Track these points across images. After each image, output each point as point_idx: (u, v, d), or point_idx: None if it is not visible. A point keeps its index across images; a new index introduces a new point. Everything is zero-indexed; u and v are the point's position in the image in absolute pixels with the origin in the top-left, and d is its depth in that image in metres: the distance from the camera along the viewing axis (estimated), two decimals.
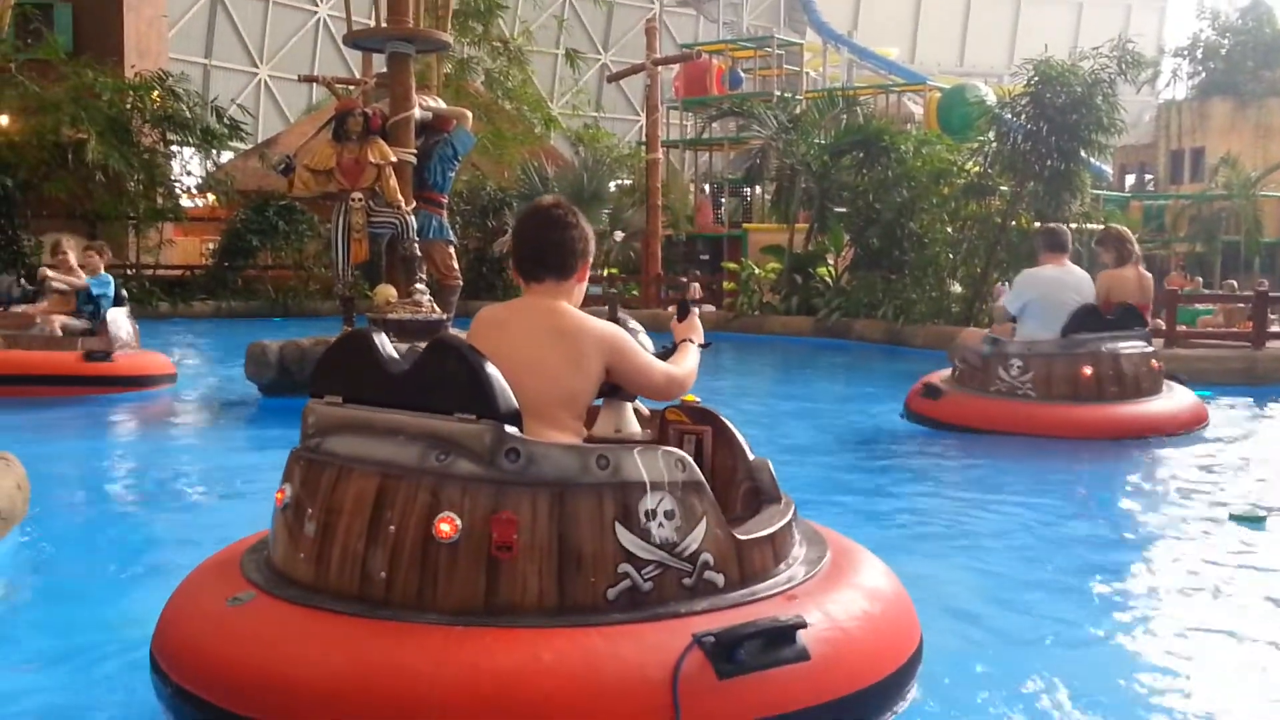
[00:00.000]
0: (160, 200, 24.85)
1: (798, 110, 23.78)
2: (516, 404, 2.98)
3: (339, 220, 11.06)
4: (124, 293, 11.47)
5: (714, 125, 30.73)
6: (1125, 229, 10.21)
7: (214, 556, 3.53)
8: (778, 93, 30.23)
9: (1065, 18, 61.34)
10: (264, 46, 52.46)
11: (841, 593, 3.24)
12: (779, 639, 2.91)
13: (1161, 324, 13.46)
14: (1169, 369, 9.27)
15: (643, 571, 2.96)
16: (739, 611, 3.00)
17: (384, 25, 11.72)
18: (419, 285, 11.14)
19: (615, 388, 3.35)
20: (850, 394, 12.61)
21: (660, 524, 3.00)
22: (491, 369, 2.99)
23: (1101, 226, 14.08)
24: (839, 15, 52.72)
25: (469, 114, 12.87)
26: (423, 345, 3.14)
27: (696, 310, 3.68)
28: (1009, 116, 17.71)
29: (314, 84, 22.33)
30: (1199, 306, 18.70)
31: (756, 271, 21.43)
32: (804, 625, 2.96)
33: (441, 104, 13.25)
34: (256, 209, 25.36)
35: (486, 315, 3.41)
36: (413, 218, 11.33)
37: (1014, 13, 63.19)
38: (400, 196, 11.17)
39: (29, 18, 24.08)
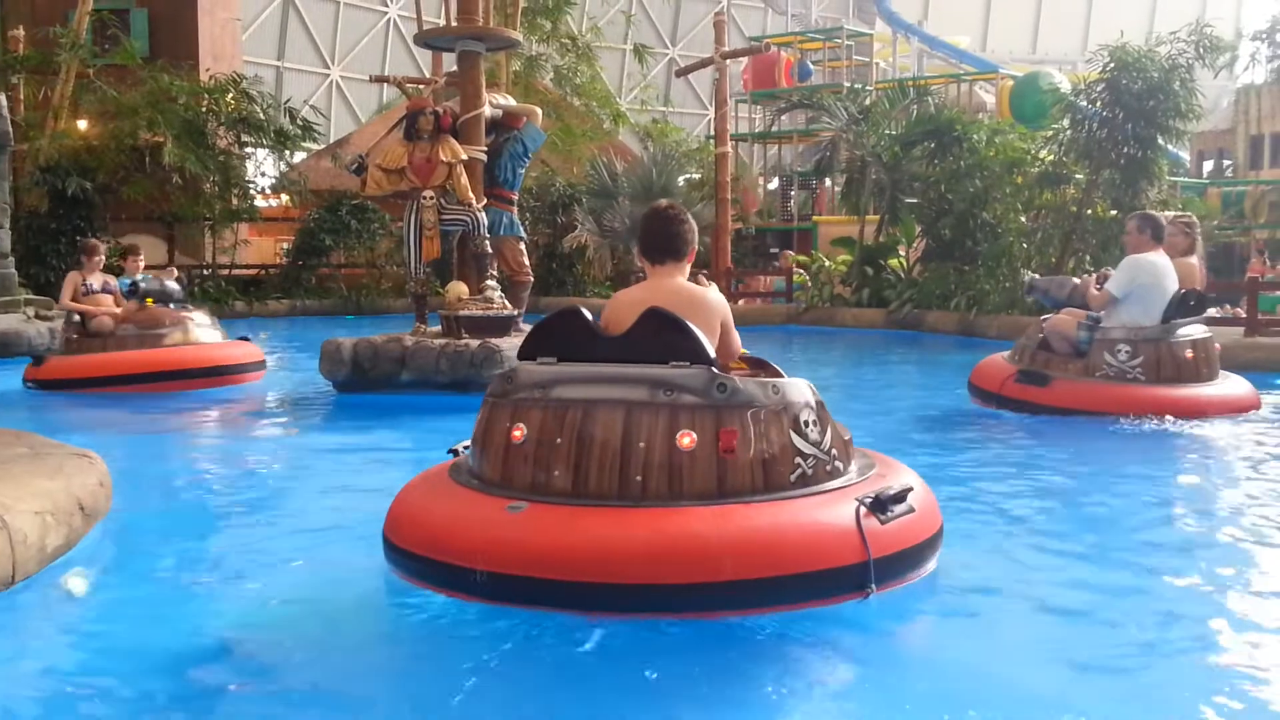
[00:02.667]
0: (235, 201, 25.18)
1: (867, 101, 23.59)
2: (715, 353, 4.20)
3: (411, 218, 11.15)
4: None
5: (783, 118, 30.62)
6: (1192, 218, 10.38)
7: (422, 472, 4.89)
8: (847, 84, 30.02)
9: (1140, 2, 60.32)
10: (335, 48, 53.05)
11: (907, 474, 4.58)
12: (900, 498, 4.18)
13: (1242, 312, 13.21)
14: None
15: (806, 461, 4.21)
16: (864, 485, 4.28)
17: (454, 24, 11.79)
18: (490, 282, 11.21)
19: None
20: (927, 383, 12.48)
21: (812, 430, 4.26)
22: (696, 329, 4.19)
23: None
24: (909, 5, 52.25)
25: (538, 111, 12.92)
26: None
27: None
28: (1084, 104, 17.46)
29: (385, 84, 22.50)
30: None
31: (827, 264, 21.30)
32: (910, 489, 4.28)
33: (511, 101, 13.32)
34: (329, 208, 25.60)
35: (625, 295, 4.72)
36: (483, 215, 11.41)
37: None
38: (471, 194, 11.24)
39: (106, 23, 24.56)
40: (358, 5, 53.32)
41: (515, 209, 12.48)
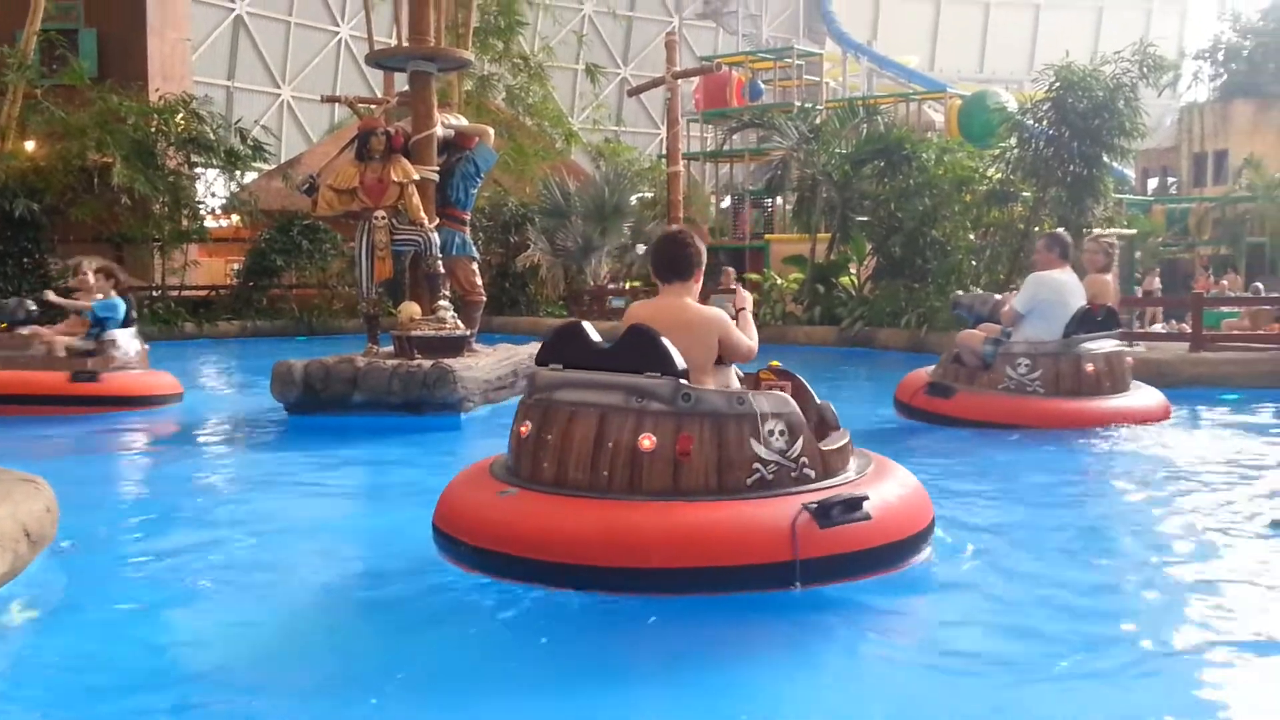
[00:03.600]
0: (185, 222, 24.93)
1: (818, 120, 23.75)
2: (685, 365, 4.68)
3: (362, 239, 11.12)
4: (133, 314, 11.56)
5: (735, 137, 30.74)
6: (1112, 238, 10.95)
7: (467, 470, 5.39)
8: (798, 103, 30.15)
9: (1085, 22, 61.15)
10: (286, 67, 52.81)
11: (884, 483, 4.93)
12: (853, 506, 4.56)
13: (1188, 327, 13.42)
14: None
15: (766, 468, 4.65)
16: (826, 492, 4.64)
17: (405, 45, 11.79)
18: (443, 302, 11.21)
19: (719, 358, 5.02)
20: (861, 396, 12.55)
21: (776, 438, 4.68)
22: (668, 343, 4.68)
23: (1123, 230, 14.06)
24: (858, 25, 52.71)
25: (490, 131, 12.94)
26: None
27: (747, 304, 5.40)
28: (1031, 122, 17.69)
29: (336, 104, 22.34)
30: (1224, 309, 18.59)
31: (779, 282, 21.40)
32: (866, 499, 4.63)
33: (463, 121, 13.32)
34: (280, 229, 25.44)
35: (638, 309, 5.20)
36: (436, 235, 11.41)
37: (1033, 19, 63.07)
38: (423, 214, 11.24)
39: (53, 43, 24.27)
40: (309, 25, 53.14)
41: (468, 229, 12.49)
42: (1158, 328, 19.43)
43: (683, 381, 4.64)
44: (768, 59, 36.01)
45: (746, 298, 5.44)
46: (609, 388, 4.72)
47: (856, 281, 20.56)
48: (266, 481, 7.65)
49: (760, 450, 4.63)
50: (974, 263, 18.25)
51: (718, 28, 56.46)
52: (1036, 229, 17.32)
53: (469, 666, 3.97)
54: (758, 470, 4.63)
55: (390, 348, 11.11)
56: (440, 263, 11.41)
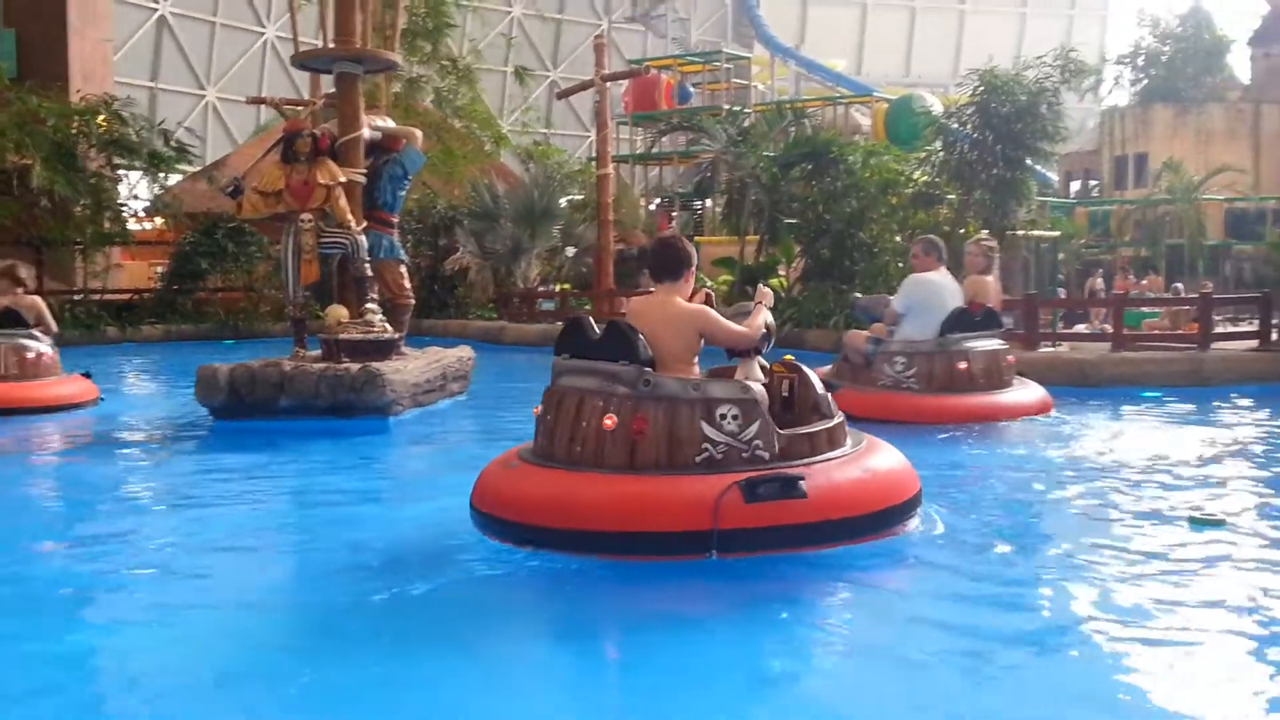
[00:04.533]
0: (107, 224, 24.55)
1: (746, 123, 23.86)
2: (651, 354, 5.34)
3: (288, 241, 11.03)
4: (47, 317, 11.44)
5: (664, 140, 30.82)
6: (993, 242, 11.39)
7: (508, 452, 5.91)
8: (726, 106, 30.34)
9: (1009, 28, 62.01)
10: (211, 69, 52.17)
11: (846, 463, 5.41)
12: (789, 486, 5.04)
13: (1109, 328, 13.65)
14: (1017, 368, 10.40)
15: (716, 448, 5.18)
16: (769, 472, 5.10)
17: (331, 46, 11.72)
18: (370, 305, 11.13)
19: (744, 350, 5.62)
20: None
21: (728, 422, 5.20)
22: (638, 336, 5.32)
23: (1050, 232, 14.27)
24: (786, 28, 53.07)
25: (418, 133, 12.87)
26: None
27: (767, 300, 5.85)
28: (955, 126, 17.91)
29: (262, 105, 22.17)
30: (1144, 309, 18.93)
31: (708, 284, 21.46)
32: (802, 478, 5.10)
33: (390, 123, 13.24)
34: (205, 231, 25.12)
35: (636, 304, 5.82)
36: (363, 238, 11.33)
37: (958, 24, 63.85)
38: (350, 217, 11.17)
39: None
40: (234, 26, 52.54)
41: (396, 231, 12.42)
42: (1081, 328, 19.74)
43: (645, 369, 5.25)
44: (696, 62, 36.19)
45: (767, 293, 5.90)
46: (591, 374, 5.42)
47: (785, 283, 20.67)
48: (186, 487, 7.54)
49: (710, 432, 5.17)
50: (900, 265, 18.41)
51: (646, 31, 56.56)
52: (962, 231, 17.54)
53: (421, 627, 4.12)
54: (706, 450, 5.17)
55: (318, 351, 11.02)
56: (368, 266, 11.33)
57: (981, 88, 17.07)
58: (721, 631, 4.36)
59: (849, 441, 5.68)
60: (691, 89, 34.54)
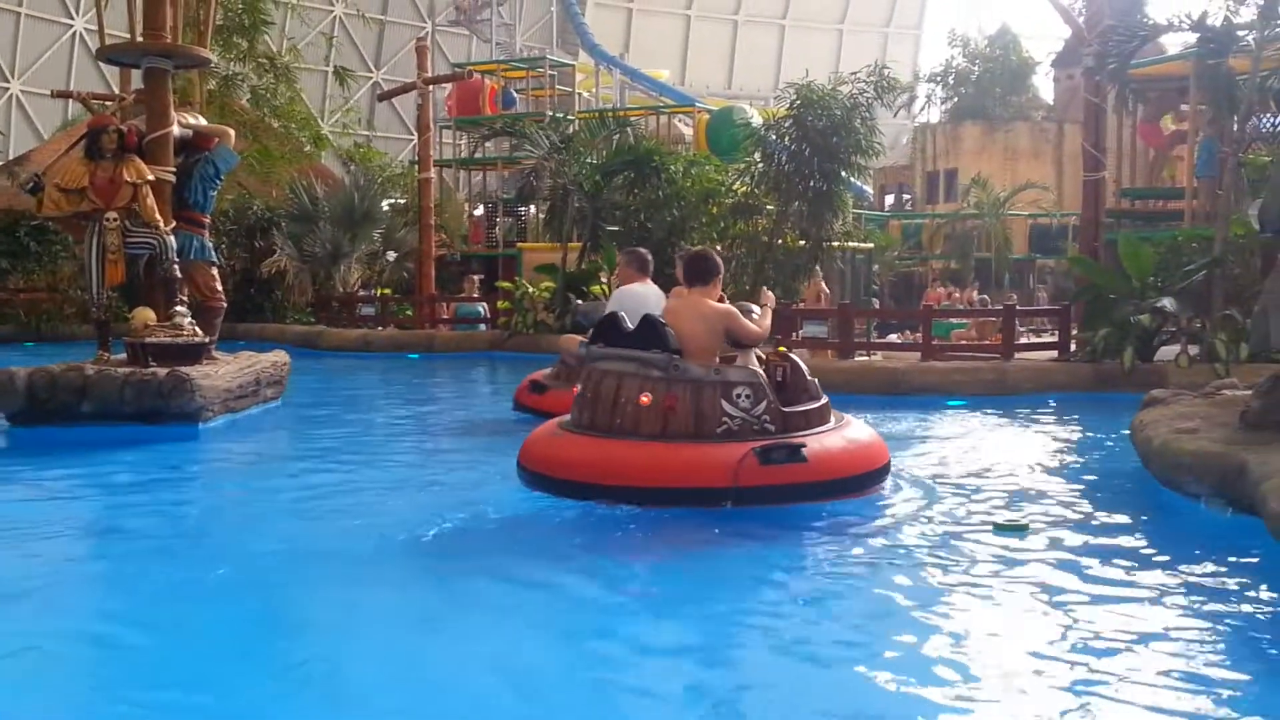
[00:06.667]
0: None
1: (570, 130, 23.85)
2: (678, 345, 6.54)
3: (93, 241, 10.66)
4: None
5: (487, 145, 30.63)
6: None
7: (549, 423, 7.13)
8: (550, 113, 30.27)
9: (827, 44, 63.34)
10: (15, 61, 49.90)
11: (835, 435, 6.66)
12: (794, 452, 6.29)
13: (922, 338, 14.03)
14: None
15: (734, 422, 6.40)
16: (777, 441, 6.33)
17: (139, 40, 11.34)
18: (179, 307, 10.83)
19: (740, 343, 6.81)
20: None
21: (742, 401, 6.42)
22: (666, 329, 6.61)
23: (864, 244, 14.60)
24: (611, 37, 53.28)
25: (231, 132, 12.57)
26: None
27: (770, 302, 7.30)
28: (773, 138, 18.21)
29: (69, 100, 21.32)
30: (953, 321, 19.55)
31: (531, 290, 21.41)
32: (804, 445, 6.35)
33: (202, 121, 12.91)
34: (6, 229, 24.19)
35: (674, 303, 6.95)
36: (172, 238, 11.03)
37: (779, 38, 64.98)
38: (159, 216, 10.86)
39: None
40: (40, 16, 50.31)
41: (207, 232, 12.13)
42: (893, 338, 20.26)
43: (674, 356, 6.47)
44: (521, 68, 36.02)
45: (771, 297, 7.38)
46: (627, 359, 6.59)
47: (607, 290, 20.70)
48: None
49: (728, 408, 6.40)
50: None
51: (471, 35, 56.13)
52: (780, 241, 17.89)
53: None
54: (725, 423, 6.39)
55: (124, 355, 10.65)
56: (177, 267, 11.01)
57: (798, 101, 17.42)
58: (737, 556, 5.68)
59: (832, 419, 6.84)
60: (516, 94, 34.35)
